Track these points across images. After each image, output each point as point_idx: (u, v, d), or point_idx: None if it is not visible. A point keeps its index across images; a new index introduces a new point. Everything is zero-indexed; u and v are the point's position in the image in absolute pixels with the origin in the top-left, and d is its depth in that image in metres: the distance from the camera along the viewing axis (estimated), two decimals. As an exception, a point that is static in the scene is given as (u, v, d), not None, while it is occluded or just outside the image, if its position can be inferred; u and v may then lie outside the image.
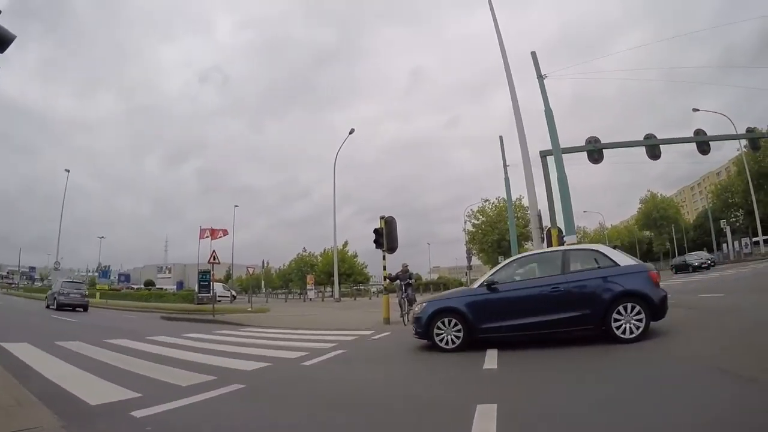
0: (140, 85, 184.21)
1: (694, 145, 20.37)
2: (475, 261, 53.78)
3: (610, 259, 7.22)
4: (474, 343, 7.41)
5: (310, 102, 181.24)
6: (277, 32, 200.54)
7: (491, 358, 6.38)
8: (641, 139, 19.40)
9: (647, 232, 76.83)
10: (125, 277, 75.03)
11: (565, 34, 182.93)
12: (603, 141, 18.59)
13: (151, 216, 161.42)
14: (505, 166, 24.73)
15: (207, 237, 23.44)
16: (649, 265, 7.55)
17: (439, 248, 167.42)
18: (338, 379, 6.12)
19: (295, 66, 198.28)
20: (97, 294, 39.06)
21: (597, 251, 7.57)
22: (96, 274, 60.73)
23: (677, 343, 6.53)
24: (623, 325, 6.66)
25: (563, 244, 15.50)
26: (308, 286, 45.19)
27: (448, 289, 61.93)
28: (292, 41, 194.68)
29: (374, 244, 13.52)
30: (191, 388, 5.20)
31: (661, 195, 73.68)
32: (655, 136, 19.39)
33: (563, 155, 15.42)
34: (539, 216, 14.06)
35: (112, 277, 66.15)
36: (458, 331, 7.53)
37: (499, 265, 8.41)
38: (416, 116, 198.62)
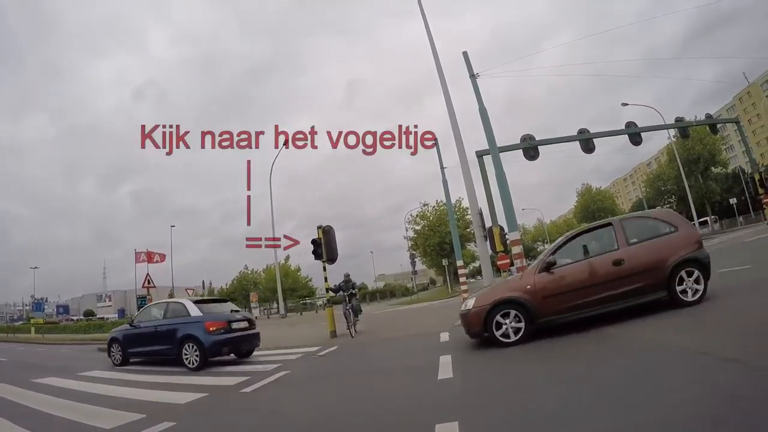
0: (73, 104, 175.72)
1: (626, 138, 21.02)
2: (420, 266, 54.06)
3: (187, 310, 10.12)
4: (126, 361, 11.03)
5: (248, 116, 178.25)
6: (212, 45, 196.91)
7: (445, 367, 6.05)
8: (575, 134, 19.81)
9: (585, 224, 79.16)
10: (64, 309, 71.36)
11: (498, 38, 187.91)
12: (538, 138, 18.84)
13: (89, 242, 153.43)
14: (442, 168, 24.71)
15: (143, 261, 22.39)
16: (213, 316, 10.07)
17: (383, 256, 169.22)
18: (280, 406, 5.71)
19: (231, 79, 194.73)
20: (32, 329, 36.87)
21: (181, 303, 10.51)
22: (29, 307, 57.55)
23: (648, 329, 6.28)
24: (189, 358, 9.54)
25: (506, 242, 15.52)
26: (252, 304, 44.18)
27: (394, 296, 61.76)
28: (228, 54, 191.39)
29: (313, 255, 13.11)
30: (115, 431, 4.78)
31: (596, 188, 76.16)
32: (588, 131, 19.83)
33: (500, 154, 15.43)
34: (480, 215, 13.93)
35: (49, 309, 62.93)
36: (120, 353, 11.16)
37: (143, 309, 12.36)
38: (355, 126, 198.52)
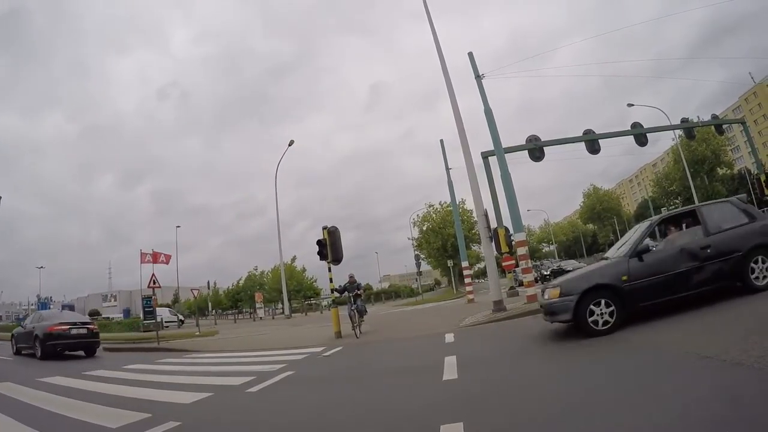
0: (94, 102, 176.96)
1: (632, 140, 20.91)
2: (425, 266, 54.13)
3: None
4: None
5: (266, 116, 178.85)
6: (235, 45, 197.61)
7: (450, 368, 6.02)
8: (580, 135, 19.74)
9: (591, 225, 79.07)
10: (69, 308, 71.50)
11: (512, 41, 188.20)
12: (544, 140, 18.77)
13: (100, 242, 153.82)
14: (447, 169, 24.81)
15: (149, 261, 22.35)
16: None
17: (389, 257, 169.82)
18: (286, 406, 5.64)
19: (252, 79, 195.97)
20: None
21: None
22: (34, 306, 57.71)
23: (654, 331, 6.31)
24: None
25: (511, 243, 15.49)
26: (257, 305, 44.18)
27: (399, 297, 62.45)
28: (250, 54, 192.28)
29: (318, 256, 13.11)
30: (121, 430, 4.71)
31: (603, 189, 76.07)
32: (593, 131, 19.74)
33: (506, 155, 15.42)
34: (486, 216, 13.92)
35: (54, 309, 62.97)
36: None
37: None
38: (370, 127, 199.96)
